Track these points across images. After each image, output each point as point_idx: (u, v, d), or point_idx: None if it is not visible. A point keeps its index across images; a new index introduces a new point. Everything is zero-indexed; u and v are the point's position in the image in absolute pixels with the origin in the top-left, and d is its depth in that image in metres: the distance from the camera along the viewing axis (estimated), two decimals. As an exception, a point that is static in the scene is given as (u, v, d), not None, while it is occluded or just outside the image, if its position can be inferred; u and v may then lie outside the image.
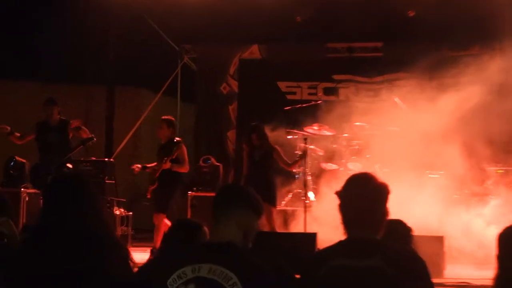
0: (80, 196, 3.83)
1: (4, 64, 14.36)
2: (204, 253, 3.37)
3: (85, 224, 3.74)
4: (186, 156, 10.72)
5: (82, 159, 11.72)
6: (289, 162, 10.71)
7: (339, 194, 3.51)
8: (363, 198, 3.43)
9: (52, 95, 11.70)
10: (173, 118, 11.09)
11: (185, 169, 10.72)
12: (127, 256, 3.81)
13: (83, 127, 10.83)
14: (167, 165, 10.43)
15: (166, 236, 4.83)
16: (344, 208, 3.48)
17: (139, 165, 10.93)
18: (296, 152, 10.90)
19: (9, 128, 10.96)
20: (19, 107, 14.83)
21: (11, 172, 12.05)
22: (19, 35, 14.30)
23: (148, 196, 10.75)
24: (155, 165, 10.70)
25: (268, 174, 10.44)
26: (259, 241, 3.68)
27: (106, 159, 12.91)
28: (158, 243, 10.16)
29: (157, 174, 10.53)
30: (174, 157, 10.49)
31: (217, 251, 3.34)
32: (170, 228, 4.81)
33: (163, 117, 11.04)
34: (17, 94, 15.78)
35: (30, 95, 14.94)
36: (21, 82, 15.56)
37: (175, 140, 10.77)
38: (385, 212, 3.48)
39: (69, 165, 10.56)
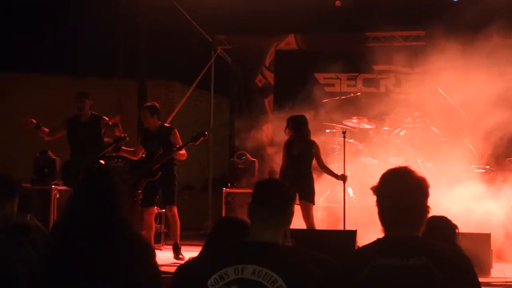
0: (106, 195, 3.82)
1: (35, 58, 14.22)
2: (247, 253, 3.29)
3: (111, 224, 3.74)
4: (181, 142, 10.45)
5: (114, 154, 11.43)
6: (325, 165, 10.23)
7: (376, 190, 3.39)
8: (403, 194, 3.32)
9: (82, 89, 11.42)
10: (155, 104, 10.67)
11: (184, 156, 10.43)
12: (151, 255, 3.77)
13: (119, 125, 10.50)
14: (177, 154, 10.18)
15: (212, 234, 4.56)
16: (383, 205, 3.37)
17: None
18: (337, 175, 10.38)
19: (35, 121, 10.64)
20: (50, 101, 14.66)
21: (42, 168, 11.91)
22: (50, 29, 14.13)
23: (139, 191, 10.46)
24: (159, 155, 10.33)
25: (306, 169, 10.05)
26: (298, 239, 3.75)
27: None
28: (178, 238, 10.11)
29: (158, 165, 10.21)
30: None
31: (261, 251, 3.28)
32: (216, 226, 4.61)
33: (145, 104, 10.76)
34: (48, 88, 15.60)
35: (61, 89, 14.77)
36: (52, 75, 15.40)
37: (166, 126, 10.56)
38: (426, 208, 3.38)
39: (101, 161, 10.28)
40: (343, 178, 10.25)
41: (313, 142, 10.20)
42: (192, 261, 3.86)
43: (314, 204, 10.04)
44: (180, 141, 10.33)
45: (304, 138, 10.17)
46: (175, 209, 10.27)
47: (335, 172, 10.48)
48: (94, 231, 3.67)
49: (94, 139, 10.51)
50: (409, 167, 3.49)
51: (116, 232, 3.71)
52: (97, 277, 3.55)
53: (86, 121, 10.58)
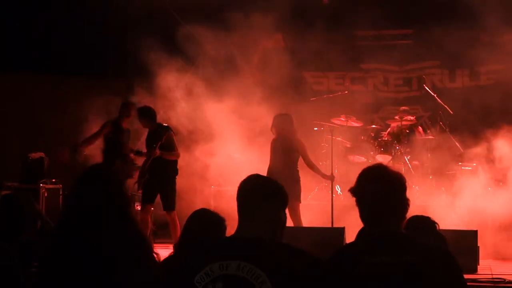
0: (107, 190, 3.78)
1: (23, 56, 14.13)
2: (232, 249, 3.28)
3: (110, 218, 3.70)
4: (174, 143, 10.51)
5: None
6: (312, 163, 10.24)
7: (354, 190, 3.39)
8: (381, 190, 3.33)
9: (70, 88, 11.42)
10: (146, 106, 10.75)
11: (175, 156, 10.46)
12: (150, 250, 3.75)
13: None
14: (157, 152, 10.19)
15: (185, 228, 4.67)
16: (363, 203, 3.37)
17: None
18: (325, 174, 10.39)
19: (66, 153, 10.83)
20: (38, 100, 14.55)
21: (30, 168, 11.88)
22: (36, 28, 14.03)
23: (139, 191, 10.48)
24: (145, 154, 10.53)
25: (292, 168, 10.04)
26: (286, 237, 3.58)
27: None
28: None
29: (147, 165, 10.29)
30: (163, 141, 10.26)
31: (246, 247, 3.26)
32: (189, 220, 4.67)
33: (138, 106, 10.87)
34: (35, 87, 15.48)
35: (48, 88, 14.65)
36: (39, 75, 15.28)
37: (163, 125, 10.60)
38: (405, 201, 3.36)
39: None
40: (331, 178, 10.29)
41: (298, 140, 10.20)
42: (176, 258, 3.86)
43: (300, 202, 10.03)
44: (174, 142, 10.44)
45: (289, 136, 10.16)
46: (174, 214, 10.29)
47: (322, 171, 10.48)
48: (100, 232, 3.64)
49: None
50: (383, 164, 3.52)
51: (124, 232, 3.68)
52: (101, 277, 3.53)
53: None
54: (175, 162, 10.54)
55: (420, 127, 13.17)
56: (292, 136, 10.17)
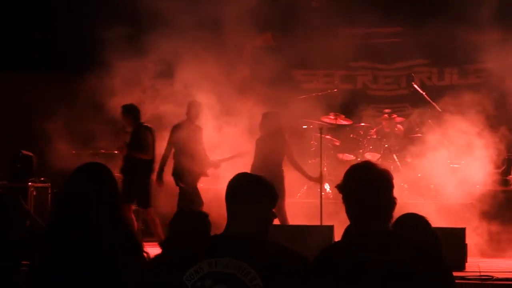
0: (105, 193, 3.75)
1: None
2: (221, 246, 3.29)
3: (101, 217, 3.67)
4: (148, 142, 10.54)
5: None
6: (298, 165, 10.22)
7: (341, 187, 3.35)
8: (368, 187, 3.30)
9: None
10: (131, 104, 10.80)
11: (146, 155, 10.52)
12: (140, 249, 3.74)
13: None
14: (126, 150, 10.44)
15: (171, 227, 4.71)
16: (350, 200, 3.33)
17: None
18: (311, 177, 10.40)
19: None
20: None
21: (18, 166, 11.85)
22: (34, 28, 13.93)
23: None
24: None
25: (276, 165, 10.00)
26: (274, 234, 3.58)
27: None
28: (162, 235, 10.13)
29: (122, 163, 10.53)
30: (140, 141, 10.41)
31: (235, 244, 3.28)
32: (173, 219, 4.71)
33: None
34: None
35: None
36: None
37: (144, 125, 10.68)
38: (392, 199, 3.33)
39: None
40: (318, 180, 10.29)
41: (284, 140, 10.17)
42: (165, 256, 3.87)
43: (284, 199, 10.01)
44: (147, 141, 10.52)
45: (275, 135, 10.13)
46: (150, 211, 10.46)
47: (307, 172, 10.45)
48: (91, 230, 3.62)
49: None
50: (371, 161, 3.50)
51: (115, 231, 3.66)
52: (92, 276, 3.52)
53: None
54: (149, 161, 10.58)
55: (408, 125, 13.19)
56: (278, 135, 10.14)
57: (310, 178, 10.36)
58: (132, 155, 10.42)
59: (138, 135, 10.43)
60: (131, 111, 10.58)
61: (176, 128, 10.58)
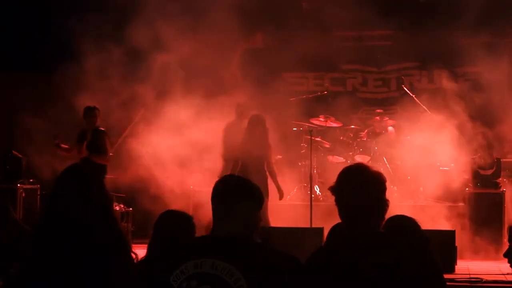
0: (87, 189, 3.71)
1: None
2: (206, 247, 3.30)
3: (89, 217, 3.65)
4: (107, 147, 10.58)
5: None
6: (273, 172, 10.16)
7: (334, 189, 3.38)
8: (361, 189, 3.33)
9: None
10: (95, 106, 10.84)
11: (104, 160, 10.56)
12: (129, 250, 3.73)
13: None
14: (85, 152, 10.34)
15: (156, 229, 4.68)
16: (342, 202, 3.35)
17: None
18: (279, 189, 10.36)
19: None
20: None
21: (8, 167, 11.80)
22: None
23: None
24: (69, 149, 10.67)
25: (259, 167, 9.96)
26: (263, 237, 3.49)
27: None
28: None
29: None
30: (95, 144, 10.45)
31: (220, 246, 3.28)
32: (158, 221, 4.70)
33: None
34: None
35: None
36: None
37: (99, 129, 10.72)
38: (385, 201, 3.36)
39: None
40: (280, 196, 10.22)
41: (267, 144, 10.11)
42: (152, 257, 3.86)
43: (267, 201, 9.96)
44: (106, 145, 10.67)
45: (259, 137, 10.09)
46: None
47: (279, 184, 10.30)
48: (80, 232, 3.60)
49: None
50: (364, 164, 3.53)
51: (103, 232, 3.65)
52: (81, 277, 3.51)
53: None
54: (105, 166, 10.62)
55: (398, 128, 13.20)
56: (262, 137, 10.09)
57: (279, 189, 10.23)
58: (91, 158, 10.41)
59: (98, 139, 10.43)
60: (97, 113, 10.65)
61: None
